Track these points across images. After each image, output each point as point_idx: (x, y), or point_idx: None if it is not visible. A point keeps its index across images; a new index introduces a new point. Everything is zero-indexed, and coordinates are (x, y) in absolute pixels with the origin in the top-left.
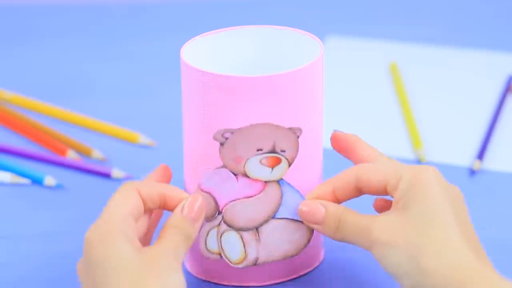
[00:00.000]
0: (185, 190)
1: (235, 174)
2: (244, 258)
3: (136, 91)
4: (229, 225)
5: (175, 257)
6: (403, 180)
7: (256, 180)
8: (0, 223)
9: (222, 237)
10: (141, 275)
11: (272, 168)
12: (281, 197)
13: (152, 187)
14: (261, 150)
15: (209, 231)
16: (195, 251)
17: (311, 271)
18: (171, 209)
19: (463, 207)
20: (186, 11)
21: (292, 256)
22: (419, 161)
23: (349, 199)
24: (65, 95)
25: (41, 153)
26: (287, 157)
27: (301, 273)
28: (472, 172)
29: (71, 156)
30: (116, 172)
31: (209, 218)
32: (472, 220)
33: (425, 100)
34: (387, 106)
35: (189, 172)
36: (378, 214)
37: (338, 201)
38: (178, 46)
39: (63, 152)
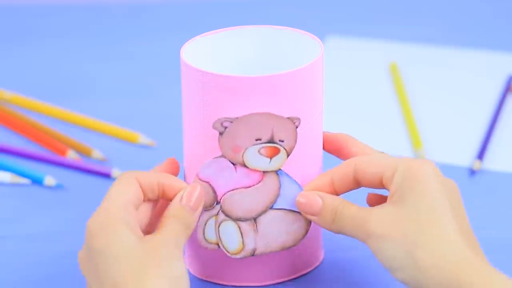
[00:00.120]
0: None
1: (233, 164)
2: (242, 249)
3: (136, 91)
4: (227, 215)
5: (176, 245)
6: (398, 172)
7: (255, 170)
8: (0, 223)
9: (220, 227)
10: (143, 263)
11: (271, 159)
12: (279, 188)
13: (151, 177)
14: (260, 139)
15: (207, 221)
16: (195, 251)
17: (311, 271)
18: (170, 199)
19: (459, 201)
20: (186, 11)
21: (290, 247)
22: None
23: (347, 191)
24: (65, 95)
25: (41, 153)
26: (285, 147)
27: (301, 273)
28: (472, 172)
29: (71, 156)
30: (116, 172)
31: (207, 208)
32: (472, 220)
33: (425, 100)
34: (387, 106)
35: (189, 172)
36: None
37: (336, 193)
38: (178, 46)
39: (63, 152)
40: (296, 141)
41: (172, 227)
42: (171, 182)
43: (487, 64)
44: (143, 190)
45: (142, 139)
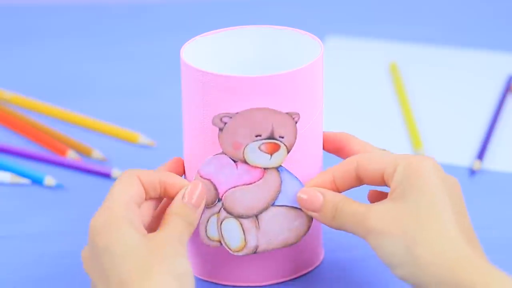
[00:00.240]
0: None
1: (234, 161)
2: (244, 246)
3: (136, 91)
4: (229, 212)
5: (180, 242)
6: (399, 168)
7: (255, 167)
8: (0, 223)
9: (222, 224)
10: (148, 260)
11: (271, 155)
12: (280, 184)
13: (153, 175)
14: (260, 136)
15: (209, 218)
16: (197, 251)
17: (311, 271)
18: (172, 197)
19: (460, 197)
20: (186, 11)
21: (292, 244)
22: None
23: (349, 188)
24: (65, 95)
25: (41, 153)
26: (285, 143)
27: (301, 273)
28: (472, 172)
29: (71, 156)
30: (116, 172)
31: (209, 205)
32: (472, 220)
33: (425, 100)
34: (387, 106)
35: (189, 172)
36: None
37: (338, 190)
38: (178, 46)
39: (63, 152)
40: (296, 137)
41: (175, 225)
42: (173, 180)
43: (487, 64)
44: (145, 189)
45: (142, 139)
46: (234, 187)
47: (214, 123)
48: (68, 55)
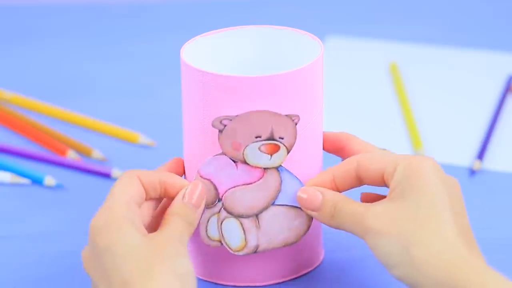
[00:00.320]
0: None
1: (234, 161)
2: (245, 246)
3: (136, 91)
4: (229, 212)
5: (180, 242)
6: (399, 168)
7: (255, 167)
8: (0, 223)
9: (222, 224)
10: (149, 260)
11: (271, 155)
12: (280, 184)
13: (153, 175)
14: (260, 137)
15: (209, 218)
16: (196, 251)
17: (311, 271)
18: (172, 197)
19: (460, 198)
20: (186, 11)
21: (292, 243)
22: None
23: (349, 188)
24: (65, 95)
25: (41, 153)
26: (285, 144)
27: (301, 273)
28: (472, 172)
29: (71, 156)
30: (116, 172)
31: (209, 205)
32: (472, 220)
33: (425, 100)
34: (387, 106)
35: (189, 172)
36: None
37: (338, 190)
38: (178, 46)
39: (63, 152)
40: (295, 138)
41: (175, 225)
42: (173, 180)
43: (487, 64)
44: (145, 189)
45: (142, 139)
46: (234, 187)
47: (214, 126)
48: (68, 55)
